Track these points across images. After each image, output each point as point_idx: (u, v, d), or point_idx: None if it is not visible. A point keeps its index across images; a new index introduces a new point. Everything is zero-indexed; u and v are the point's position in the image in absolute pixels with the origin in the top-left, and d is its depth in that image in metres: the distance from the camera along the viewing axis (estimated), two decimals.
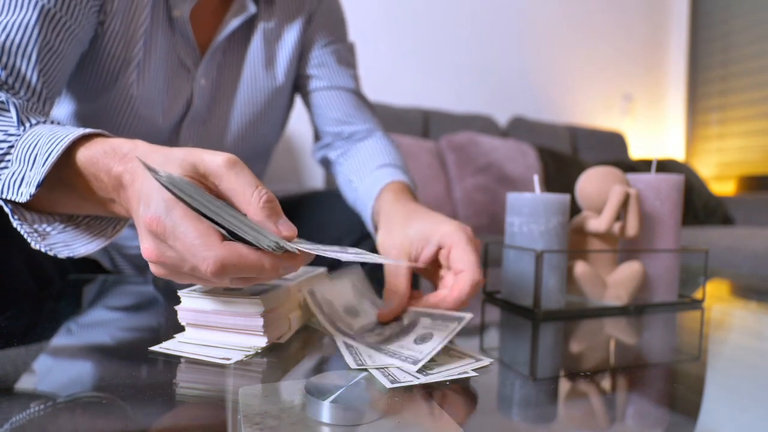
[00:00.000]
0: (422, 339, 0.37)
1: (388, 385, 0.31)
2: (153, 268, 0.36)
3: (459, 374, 0.35)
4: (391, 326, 0.42)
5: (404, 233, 0.51)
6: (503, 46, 2.58)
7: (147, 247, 0.34)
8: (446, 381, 0.34)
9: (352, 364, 0.36)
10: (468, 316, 0.40)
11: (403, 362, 0.35)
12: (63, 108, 0.70)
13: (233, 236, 0.33)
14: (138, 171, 0.36)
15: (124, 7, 0.63)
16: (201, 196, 0.32)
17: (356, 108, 0.82)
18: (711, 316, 0.60)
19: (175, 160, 0.35)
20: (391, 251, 0.51)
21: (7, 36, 0.52)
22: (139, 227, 0.35)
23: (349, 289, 0.50)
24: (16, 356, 0.38)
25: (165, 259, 0.33)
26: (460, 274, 0.46)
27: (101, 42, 0.63)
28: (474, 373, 0.35)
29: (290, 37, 0.78)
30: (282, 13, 0.77)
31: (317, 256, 0.35)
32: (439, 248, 0.49)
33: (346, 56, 0.84)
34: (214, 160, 0.35)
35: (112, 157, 0.39)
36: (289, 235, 0.34)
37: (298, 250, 0.33)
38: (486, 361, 0.37)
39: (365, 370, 0.35)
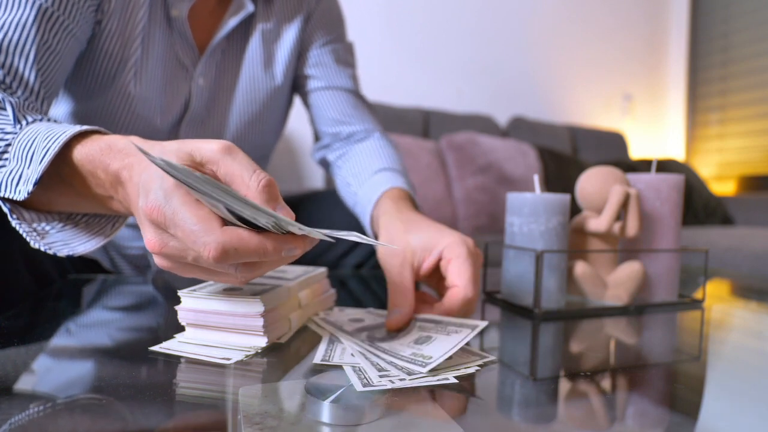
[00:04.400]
0: (423, 341, 0.37)
1: (359, 388, 0.30)
2: (157, 260, 0.35)
3: (438, 381, 0.33)
4: (381, 330, 0.42)
5: (406, 242, 0.50)
6: (503, 46, 2.58)
7: (149, 238, 0.33)
8: (428, 385, 0.32)
9: (318, 359, 0.36)
10: (482, 324, 0.37)
11: (409, 364, 0.34)
12: (61, 107, 0.70)
13: (240, 220, 0.32)
14: (135, 166, 0.36)
15: (121, 6, 0.63)
16: (199, 179, 0.31)
17: (354, 108, 0.82)
18: (711, 316, 0.60)
19: (170, 151, 0.34)
20: (394, 260, 0.49)
21: (5, 35, 0.52)
22: (140, 219, 0.34)
23: (361, 312, 0.51)
24: (16, 356, 0.38)
25: (168, 249, 0.33)
26: (453, 289, 0.45)
27: (98, 41, 0.63)
28: (455, 380, 0.33)
29: (288, 36, 0.78)
30: (280, 13, 0.77)
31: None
32: (440, 259, 0.48)
33: (345, 56, 0.84)
34: (209, 147, 0.34)
35: (108, 154, 0.39)
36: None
37: (299, 229, 0.32)
38: (472, 368, 0.36)
39: (330, 366, 0.35)
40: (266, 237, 0.32)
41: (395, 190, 0.67)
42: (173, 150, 0.34)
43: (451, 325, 0.40)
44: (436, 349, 0.35)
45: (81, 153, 0.41)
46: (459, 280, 0.45)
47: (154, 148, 0.36)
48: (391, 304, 0.46)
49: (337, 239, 0.34)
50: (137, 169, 0.36)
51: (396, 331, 0.44)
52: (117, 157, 0.39)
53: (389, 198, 0.64)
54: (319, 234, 0.33)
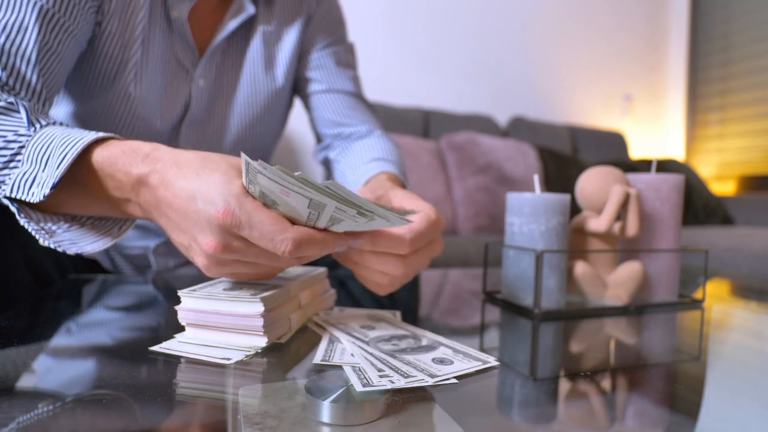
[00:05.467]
0: (441, 362, 0.37)
1: (359, 388, 0.30)
2: (204, 260, 0.38)
3: (438, 381, 0.33)
4: (408, 341, 0.42)
5: (385, 192, 0.51)
6: (504, 47, 2.58)
7: (212, 239, 0.36)
8: (428, 385, 0.32)
9: (317, 359, 0.36)
10: (492, 361, 0.37)
11: (420, 372, 0.34)
12: (61, 108, 0.70)
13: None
14: (169, 171, 0.38)
15: (121, 7, 0.63)
16: (309, 180, 0.34)
17: (355, 110, 0.82)
18: (711, 316, 0.60)
19: (218, 162, 0.38)
20: (367, 196, 0.49)
21: (7, 37, 0.52)
22: (198, 223, 0.37)
23: (363, 313, 0.50)
24: (16, 356, 0.38)
25: (230, 249, 0.37)
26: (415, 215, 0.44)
27: (98, 42, 0.63)
28: (455, 380, 0.33)
29: (289, 38, 0.78)
30: (281, 15, 0.77)
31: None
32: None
33: (346, 57, 0.84)
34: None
35: (132, 158, 0.41)
36: None
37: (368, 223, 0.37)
38: (472, 369, 0.36)
39: (330, 366, 0.35)
40: (328, 234, 0.38)
41: (385, 174, 0.67)
42: (219, 162, 0.38)
43: (463, 353, 0.39)
44: (449, 369, 0.35)
45: (101, 156, 0.42)
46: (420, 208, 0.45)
47: (193, 155, 0.39)
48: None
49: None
50: (175, 174, 0.38)
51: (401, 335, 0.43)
52: (144, 161, 0.40)
53: (376, 180, 0.64)
54: (385, 216, 0.37)
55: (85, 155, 0.42)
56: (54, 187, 0.42)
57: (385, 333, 0.43)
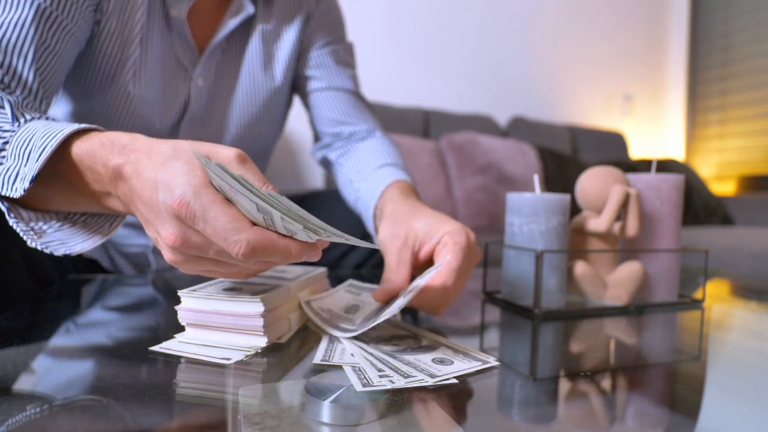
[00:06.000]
0: (441, 362, 0.37)
1: (359, 388, 0.30)
2: (169, 254, 0.36)
3: (438, 381, 0.33)
4: (408, 341, 0.42)
5: (409, 226, 0.50)
6: (503, 47, 2.58)
7: (171, 232, 0.34)
8: (427, 385, 0.32)
9: (317, 359, 0.36)
10: (492, 361, 0.37)
11: (420, 372, 0.34)
12: (60, 107, 0.70)
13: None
14: (143, 161, 0.36)
15: (120, 6, 0.63)
16: (251, 183, 0.32)
17: (355, 108, 0.82)
18: (711, 316, 0.60)
19: (185, 151, 0.35)
20: (395, 241, 0.49)
21: (4, 35, 0.52)
22: (159, 213, 0.34)
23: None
24: (16, 356, 0.38)
25: (189, 244, 0.34)
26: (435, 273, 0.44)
27: (97, 41, 0.63)
28: (455, 380, 0.33)
29: (288, 37, 0.78)
30: (280, 14, 0.77)
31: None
32: (439, 244, 0.48)
33: (345, 56, 0.84)
34: (225, 153, 0.36)
35: (110, 149, 0.39)
36: None
37: (332, 235, 0.34)
38: (472, 369, 0.36)
39: (330, 366, 0.35)
40: (292, 241, 0.33)
41: (401, 182, 0.67)
42: (189, 151, 0.35)
43: (463, 353, 0.39)
44: (449, 369, 0.35)
45: (81, 148, 0.41)
46: (445, 265, 0.45)
47: (164, 145, 0.37)
48: (383, 278, 0.47)
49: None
50: (145, 164, 0.36)
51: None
52: (121, 152, 0.38)
53: (396, 188, 0.65)
54: (351, 241, 0.34)
55: (65, 148, 0.41)
56: (33, 181, 0.41)
57: (385, 333, 0.43)
